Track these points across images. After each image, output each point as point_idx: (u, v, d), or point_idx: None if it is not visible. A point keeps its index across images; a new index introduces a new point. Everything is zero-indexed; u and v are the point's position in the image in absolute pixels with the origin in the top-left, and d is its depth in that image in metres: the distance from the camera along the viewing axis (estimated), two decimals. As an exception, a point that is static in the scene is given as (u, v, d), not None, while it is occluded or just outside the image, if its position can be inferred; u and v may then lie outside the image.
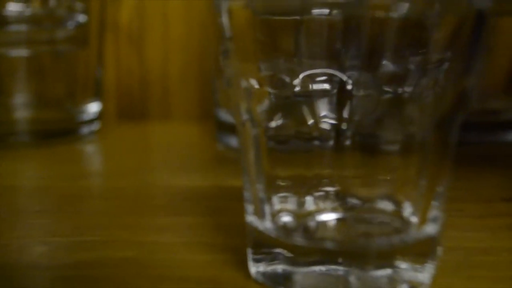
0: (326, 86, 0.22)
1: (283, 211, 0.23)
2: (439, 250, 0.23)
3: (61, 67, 0.45)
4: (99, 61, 0.46)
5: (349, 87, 0.22)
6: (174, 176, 0.36)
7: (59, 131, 0.44)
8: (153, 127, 0.50)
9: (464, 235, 0.27)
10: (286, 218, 0.23)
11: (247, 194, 0.23)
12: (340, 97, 0.22)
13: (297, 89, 0.22)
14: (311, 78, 0.22)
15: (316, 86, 0.22)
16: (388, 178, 0.23)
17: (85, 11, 0.44)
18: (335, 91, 0.22)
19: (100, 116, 0.47)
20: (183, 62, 0.51)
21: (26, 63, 0.44)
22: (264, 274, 0.23)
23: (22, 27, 0.43)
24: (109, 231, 0.28)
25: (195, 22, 0.50)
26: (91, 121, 0.45)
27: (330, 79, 0.22)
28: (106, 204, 0.32)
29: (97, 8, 0.45)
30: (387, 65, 0.21)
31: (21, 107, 0.44)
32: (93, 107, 0.46)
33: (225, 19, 0.22)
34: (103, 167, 0.41)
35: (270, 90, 0.22)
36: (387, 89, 0.22)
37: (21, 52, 0.43)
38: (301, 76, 0.22)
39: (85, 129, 0.45)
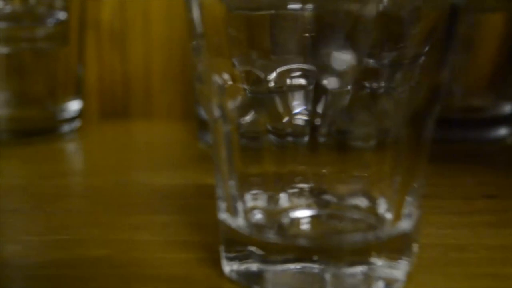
0: (301, 81, 0.21)
1: (256, 208, 0.23)
2: (415, 247, 0.23)
3: (41, 65, 0.44)
4: (79, 59, 0.46)
5: (327, 82, 0.21)
6: (153, 175, 0.36)
7: (39, 129, 0.43)
8: (135, 125, 0.50)
9: (443, 232, 0.27)
10: (259, 215, 0.23)
11: (219, 191, 0.23)
12: (315, 92, 0.22)
13: (271, 84, 0.22)
14: (286, 74, 0.21)
15: (291, 82, 0.21)
16: (363, 174, 0.23)
17: (65, 9, 0.44)
18: (310, 86, 0.21)
19: (81, 115, 0.46)
20: (165, 61, 0.50)
21: (6, 61, 0.43)
22: (237, 272, 0.22)
23: (2, 25, 0.43)
24: (83, 230, 0.28)
25: (177, 20, 0.49)
26: (71, 120, 0.45)
27: (305, 74, 0.21)
28: (82, 202, 0.32)
29: (77, 6, 0.44)
30: (363, 60, 0.21)
31: (0, 105, 0.43)
32: (74, 105, 0.45)
33: (196, 14, 0.22)
34: (82, 165, 0.41)
35: (243, 86, 0.22)
36: (362, 84, 0.21)
37: (0, 50, 0.43)
38: (276, 71, 0.21)
39: (66, 128, 0.45)
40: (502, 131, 0.43)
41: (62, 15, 0.44)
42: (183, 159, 0.40)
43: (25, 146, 0.42)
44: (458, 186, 0.33)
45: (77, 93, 0.46)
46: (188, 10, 0.22)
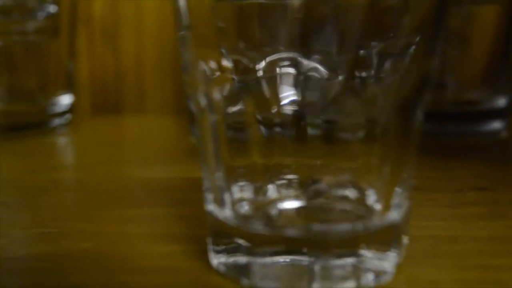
0: (290, 70, 0.21)
1: (243, 199, 0.22)
2: (405, 238, 0.23)
3: (32, 59, 0.44)
4: (70, 53, 0.45)
5: (317, 71, 0.21)
6: (144, 169, 0.36)
7: (30, 123, 0.43)
8: (127, 120, 0.49)
9: (434, 224, 0.27)
10: (246, 207, 0.22)
11: (206, 183, 0.23)
12: (304, 82, 0.21)
13: (260, 74, 0.21)
14: (275, 63, 0.21)
15: (280, 71, 0.21)
16: (352, 165, 0.22)
17: (56, 2, 0.43)
18: (299, 76, 0.21)
19: (72, 109, 0.46)
20: (158, 55, 0.50)
21: (-4, 55, 0.43)
22: (225, 265, 0.22)
23: (-8, 18, 0.42)
24: (70, 223, 0.27)
25: (169, 15, 0.49)
26: (62, 114, 0.45)
27: (294, 63, 0.21)
28: (71, 196, 0.32)
29: (68, -1, 0.44)
30: (353, 50, 0.21)
31: (-10, 99, 0.43)
32: (65, 100, 0.45)
33: (182, 3, 0.22)
34: (72, 159, 0.41)
35: (230, 75, 0.22)
36: (352, 73, 0.21)
37: (-9, 43, 0.43)
38: (265, 60, 0.21)
39: (57, 122, 0.44)
40: (496, 125, 0.43)
41: (52, 9, 0.44)
42: (175, 153, 0.40)
43: (16, 140, 0.41)
44: (451, 178, 0.33)
45: (68, 87, 0.46)
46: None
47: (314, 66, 0.21)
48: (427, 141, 0.41)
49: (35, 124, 0.43)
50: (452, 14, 0.43)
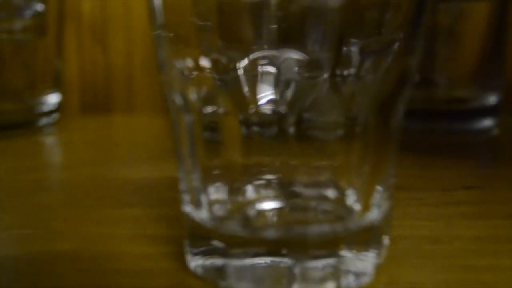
0: (270, 69, 0.21)
1: (220, 200, 0.22)
2: (385, 239, 0.23)
3: (19, 57, 0.43)
4: (58, 51, 0.45)
5: (296, 69, 0.21)
6: (131, 168, 0.35)
7: (17, 122, 0.43)
8: (116, 119, 0.49)
9: (418, 224, 0.27)
10: (224, 208, 0.22)
11: (182, 184, 0.22)
12: (282, 80, 0.21)
13: (240, 72, 0.21)
14: (256, 61, 0.21)
15: (261, 69, 0.21)
16: (331, 164, 0.22)
17: (43, 1, 0.43)
18: (279, 74, 0.21)
19: (60, 108, 0.46)
20: (147, 54, 0.50)
21: (-17, 53, 0.43)
22: (203, 267, 0.22)
23: (-22, 17, 0.42)
24: (50, 224, 0.27)
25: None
26: (50, 113, 0.44)
27: (274, 62, 0.21)
28: (54, 196, 0.31)
29: (55, -3, 0.44)
30: (334, 48, 0.21)
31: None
32: (53, 98, 0.45)
33: (157, 2, 0.21)
34: (58, 159, 0.40)
35: (209, 74, 0.21)
36: (333, 71, 0.21)
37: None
38: (246, 59, 0.21)
39: (44, 121, 0.44)
40: (487, 122, 0.43)
41: (39, 7, 0.43)
42: (163, 153, 0.39)
43: (2, 140, 0.41)
44: (438, 177, 0.33)
45: (56, 86, 0.45)
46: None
47: (292, 63, 0.21)
48: (417, 139, 0.41)
49: (22, 123, 0.43)
50: (443, 11, 0.43)
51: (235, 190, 0.22)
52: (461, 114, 0.43)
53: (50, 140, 0.43)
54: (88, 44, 0.50)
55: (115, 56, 0.50)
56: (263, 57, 0.21)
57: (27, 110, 0.44)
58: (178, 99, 0.22)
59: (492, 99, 0.43)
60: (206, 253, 0.22)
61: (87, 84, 0.50)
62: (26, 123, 0.43)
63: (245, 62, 0.21)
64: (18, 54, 0.43)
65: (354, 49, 0.21)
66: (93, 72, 0.50)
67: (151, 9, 0.21)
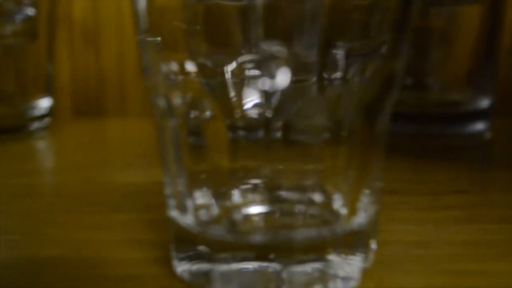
0: (256, 73, 0.21)
1: (206, 205, 0.22)
2: (373, 243, 0.22)
3: (10, 62, 0.43)
4: (49, 55, 0.45)
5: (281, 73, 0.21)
6: (122, 173, 0.35)
7: (8, 127, 0.43)
8: (109, 123, 0.49)
9: (407, 228, 0.27)
10: (210, 213, 0.22)
11: (167, 189, 0.22)
12: (270, 84, 0.21)
13: (227, 76, 0.21)
14: (243, 65, 0.21)
15: (246, 74, 0.21)
16: (317, 169, 0.22)
17: (34, 5, 0.43)
18: (265, 79, 0.21)
19: (51, 112, 0.45)
20: (140, 58, 0.49)
21: (-27, 58, 0.43)
22: (189, 272, 0.22)
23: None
24: (38, 229, 0.27)
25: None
26: (42, 117, 0.44)
27: (260, 66, 0.21)
28: (43, 201, 0.31)
29: (46, 2, 0.44)
30: (321, 51, 0.21)
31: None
32: (44, 103, 0.44)
33: (141, 6, 0.21)
34: (49, 164, 0.40)
35: (193, 78, 0.21)
36: (320, 75, 0.21)
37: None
38: (235, 63, 0.21)
39: (36, 125, 0.44)
40: (480, 126, 0.43)
41: (30, 11, 0.43)
42: (155, 157, 0.39)
43: (-7, 144, 0.41)
44: (429, 181, 0.33)
45: (47, 91, 0.45)
46: (133, 2, 0.21)
47: (277, 67, 0.21)
48: (409, 142, 0.41)
49: (13, 127, 0.43)
50: (435, 15, 0.43)
51: (221, 194, 0.22)
52: (454, 117, 0.43)
53: (41, 145, 0.43)
54: (80, 48, 0.49)
55: (107, 60, 0.50)
56: (250, 61, 0.21)
57: (19, 114, 0.43)
58: (162, 104, 0.21)
59: (484, 102, 0.43)
60: (192, 258, 0.22)
61: (79, 88, 0.50)
62: (18, 127, 0.43)
63: (232, 66, 0.21)
64: (9, 58, 0.43)
65: (341, 53, 0.20)
66: (85, 76, 0.50)
67: (135, 13, 0.21)
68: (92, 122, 0.49)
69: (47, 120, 0.45)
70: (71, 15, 0.49)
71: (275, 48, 0.20)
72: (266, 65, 0.20)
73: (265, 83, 0.21)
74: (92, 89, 0.50)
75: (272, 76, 0.21)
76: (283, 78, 0.21)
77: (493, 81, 0.43)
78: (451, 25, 0.43)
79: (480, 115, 0.43)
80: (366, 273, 0.22)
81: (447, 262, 0.23)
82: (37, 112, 0.44)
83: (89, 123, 0.49)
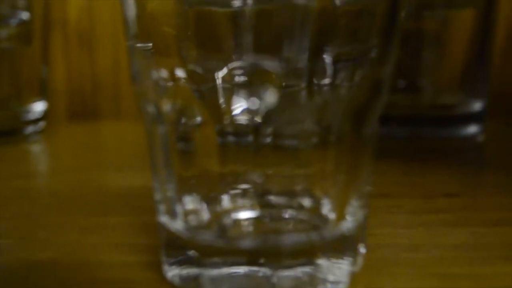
0: (245, 79, 0.21)
1: (196, 210, 0.22)
2: (361, 247, 0.23)
3: (4, 66, 0.43)
4: (44, 59, 0.45)
5: (271, 79, 0.21)
6: (115, 176, 0.35)
7: (3, 130, 0.43)
8: (104, 126, 0.49)
9: (396, 232, 0.27)
10: (199, 218, 0.22)
11: (157, 194, 0.22)
12: (257, 90, 0.21)
13: (217, 82, 0.21)
14: (232, 72, 0.21)
15: (236, 80, 0.21)
16: (306, 174, 0.22)
17: (28, 9, 0.43)
18: (254, 85, 0.21)
19: (46, 116, 0.45)
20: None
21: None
22: (179, 277, 0.22)
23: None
24: (29, 233, 0.27)
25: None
26: (36, 121, 0.44)
27: (250, 71, 0.21)
28: (35, 205, 0.31)
29: (40, 6, 0.44)
30: (310, 57, 0.21)
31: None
32: (39, 106, 0.45)
33: (130, 12, 0.21)
34: (42, 167, 0.40)
35: (183, 84, 0.21)
36: (309, 81, 0.21)
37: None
38: (225, 69, 0.21)
39: (30, 129, 0.44)
40: (472, 129, 0.43)
41: (24, 15, 0.43)
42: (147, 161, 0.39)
43: (-13, 148, 0.41)
44: (420, 184, 0.33)
45: (42, 94, 0.45)
46: (124, 8, 0.21)
47: (267, 73, 0.21)
48: (402, 145, 0.41)
49: (8, 131, 0.43)
50: (428, 18, 0.43)
51: (210, 199, 0.22)
52: (446, 120, 0.43)
53: (36, 148, 0.43)
54: (74, 51, 0.50)
55: (101, 63, 0.50)
56: (239, 67, 0.21)
57: (13, 118, 0.44)
58: (152, 110, 0.22)
59: (477, 105, 0.43)
60: (182, 263, 0.22)
61: (74, 91, 0.50)
62: (12, 131, 0.43)
63: (223, 72, 0.21)
64: (3, 62, 0.43)
65: (330, 59, 0.21)
66: (79, 79, 0.50)
67: (124, 19, 0.21)
68: (87, 125, 0.49)
69: (41, 123, 0.45)
70: (65, 18, 0.49)
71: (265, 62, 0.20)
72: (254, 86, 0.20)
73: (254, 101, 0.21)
74: (87, 92, 0.50)
75: (260, 97, 0.21)
76: (271, 97, 0.21)
77: (486, 84, 0.43)
78: (444, 28, 0.43)
79: (472, 118, 0.43)
80: (355, 277, 0.22)
81: (437, 265, 0.24)
82: (31, 116, 0.44)
83: (84, 126, 0.49)
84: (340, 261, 0.22)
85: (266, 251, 0.21)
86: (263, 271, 0.21)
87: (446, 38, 0.44)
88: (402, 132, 0.42)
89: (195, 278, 0.21)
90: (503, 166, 0.36)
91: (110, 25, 0.50)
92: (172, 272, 0.22)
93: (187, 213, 0.22)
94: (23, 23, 0.43)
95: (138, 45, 0.21)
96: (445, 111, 0.43)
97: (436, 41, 0.43)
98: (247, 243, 0.21)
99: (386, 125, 0.39)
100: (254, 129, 0.21)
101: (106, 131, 0.49)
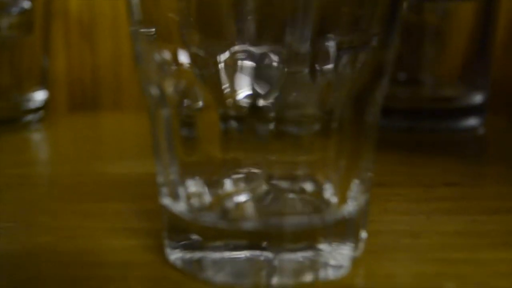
0: (248, 63, 0.21)
1: (198, 193, 0.22)
2: (363, 232, 0.23)
3: (5, 55, 0.43)
4: (45, 48, 0.45)
5: (274, 64, 0.21)
6: (115, 164, 0.35)
7: (3, 119, 0.43)
8: (104, 116, 0.49)
9: (398, 219, 0.27)
10: (202, 200, 0.22)
11: (160, 177, 0.22)
12: (260, 75, 0.21)
13: (220, 66, 0.21)
14: (234, 56, 0.21)
15: (238, 64, 0.21)
16: (308, 159, 0.22)
17: (29, -3, 0.43)
18: (257, 69, 0.21)
19: (47, 105, 0.45)
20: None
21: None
22: (182, 259, 0.22)
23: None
24: (30, 217, 0.27)
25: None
26: (37, 110, 0.44)
27: (252, 56, 0.21)
28: (36, 191, 0.31)
29: (42, -5, 0.44)
30: (313, 42, 0.21)
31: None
32: (39, 96, 0.45)
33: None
34: (43, 155, 0.40)
35: (186, 68, 0.21)
36: (311, 66, 0.21)
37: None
38: (227, 53, 0.21)
39: (31, 118, 0.44)
40: (473, 121, 0.43)
41: (26, 4, 0.43)
42: (149, 149, 0.39)
43: (-12, 136, 0.41)
44: (421, 174, 0.33)
45: (43, 83, 0.45)
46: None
47: (272, 59, 0.21)
48: (402, 137, 0.41)
49: (8, 120, 0.43)
50: (429, 10, 0.43)
51: (213, 183, 0.22)
52: (447, 113, 0.43)
53: (36, 137, 0.43)
54: (75, 41, 0.50)
55: (102, 53, 0.50)
56: (242, 52, 0.21)
57: (14, 107, 0.44)
58: (155, 92, 0.22)
59: (478, 98, 0.43)
60: (185, 246, 0.22)
61: (74, 81, 0.50)
62: (13, 120, 0.43)
63: (225, 56, 0.21)
64: (4, 51, 0.43)
65: (332, 44, 0.21)
66: (80, 69, 0.50)
67: (128, 4, 0.21)
68: (87, 115, 0.49)
69: (42, 112, 0.45)
70: (67, 8, 0.49)
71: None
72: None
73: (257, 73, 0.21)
74: (87, 83, 0.50)
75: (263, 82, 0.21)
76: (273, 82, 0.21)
77: (487, 76, 0.43)
78: (445, 21, 0.43)
79: (473, 111, 0.43)
80: (356, 262, 0.22)
81: (437, 250, 0.24)
82: (32, 105, 0.44)
83: (84, 116, 0.49)
84: (342, 246, 0.22)
85: (268, 234, 0.21)
86: (265, 254, 0.21)
87: (447, 30, 0.44)
88: (402, 124, 0.42)
89: (198, 261, 0.21)
90: (503, 158, 0.36)
91: (111, 15, 0.49)
92: (175, 255, 0.22)
93: (189, 196, 0.22)
94: (24, 12, 0.43)
95: (141, 30, 0.21)
96: (446, 103, 0.43)
97: (437, 34, 0.43)
98: (249, 225, 0.21)
99: (387, 117, 0.40)
100: (257, 114, 0.21)
101: (106, 121, 0.49)
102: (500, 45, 0.46)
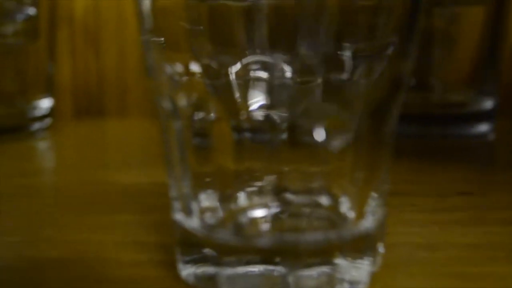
0: (262, 74, 0.20)
1: (212, 208, 0.22)
2: (380, 246, 0.22)
3: (10, 62, 0.43)
4: (50, 55, 0.45)
5: (287, 75, 0.20)
6: (123, 173, 0.35)
7: (9, 127, 0.42)
8: (109, 123, 0.49)
9: (413, 231, 0.26)
10: (215, 215, 0.22)
11: (173, 191, 0.22)
12: (275, 86, 0.21)
13: (231, 77, 0.21)
14: (248, 66, 0.20)
15: (252, 75, 0.20)
16: (324, 171, 0.22)
17: (35, 4, 0.43)
18: (272, 80, 0.20)
19: (52, 113, 0.45)
20: (140, 58, 0.49)
21: (-26, 58, 0.42)
22: (194, 275, 0.21)
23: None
24: (37, 231, 0.27)
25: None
26: (42, 118, 0.44)
27: (267, 67, 0.20)
28: (43, 202, 0.31)
29: (47, 1, 0.43)
30: (327, 52, 0.20)
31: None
32: (45, 103, 0.44)
33: (145, 6, 0.21)
34: (49, 164, 0.40)
35: (198, 79, 0.21)
36: (326, 76, 0.20)
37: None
38: (239, 64, 0.20)
39: (37, 126, 0.43)
40: (483, 127, 0.43)
41: (31, 11, 0.43)
42: (155, 158, 0.39)
43: (-7, 144, 0.41)
44: (433, 183, 0.33)
45: (48, 91, 0.45)
46: (137, 2, 0.21)
47: (285, 69, 0.20)
48: (412, 143, 0.40)
49: (14, 128, 0.42)
50: (438, 15, 0.42)
51: (226, 197, 0.22)
52: (457, 118, 0.43)
53: (42, 145, 0.43)
54: (80, 48, 0.49)
55: (107, 60, 0.49)
56: (255, 62, 0.20)
57: (19, 114, 0.43)
58: (167, 105, 0.21)
59: (488, 103, 0.43)
60: (197, 262, 0.21)
61: (79, 88, 0.49)
62: (18, 127, 0.43)
63: (237, 67, 0.20)
64: (9, 58, 0.43)
65: (348, 54, 0.20)
66: (85, 76, 0.49)
67: (139, 13, 0.21)
68: (93, 122, 0.49)
69: (47, 120, 0.44)
70: (72, 15, 0.48)
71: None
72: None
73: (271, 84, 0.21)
74: (93, 89, 0.50)
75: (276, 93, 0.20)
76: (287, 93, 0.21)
77: (497, 82, 0.43)
78: (454, 26, 0.43)
79: (483, 116, 0.43)
80: (373, 276, 0.22)
81: (454, 264, 0.23)
82: (37, 112, 0.44)
83: (90, 123, 0.48)
84: (360, 260, 0.21)
85: (283, 250, 0.20)
86: (279, 270, 0.20)
87: (456, 35, 0.43)
88: (412, 130, 0.42)
89: (211, 277, 0.21)
90: (515, 165, 0.35)
91: (116, 22, 0.49)
92: (187, 271, 0.22)
93: (202, 211, 0.21)
94: (29, 18, 0.43)
95: (153, 39, 0.21)
96: (456, 109, 0.43)
97: (446, 39, 0.43)
98: (263, 242, 0.21)
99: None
100: (271, 125, 0.21)
101: (112, 127, 0.48)
102: (510, 49, 0.46)
